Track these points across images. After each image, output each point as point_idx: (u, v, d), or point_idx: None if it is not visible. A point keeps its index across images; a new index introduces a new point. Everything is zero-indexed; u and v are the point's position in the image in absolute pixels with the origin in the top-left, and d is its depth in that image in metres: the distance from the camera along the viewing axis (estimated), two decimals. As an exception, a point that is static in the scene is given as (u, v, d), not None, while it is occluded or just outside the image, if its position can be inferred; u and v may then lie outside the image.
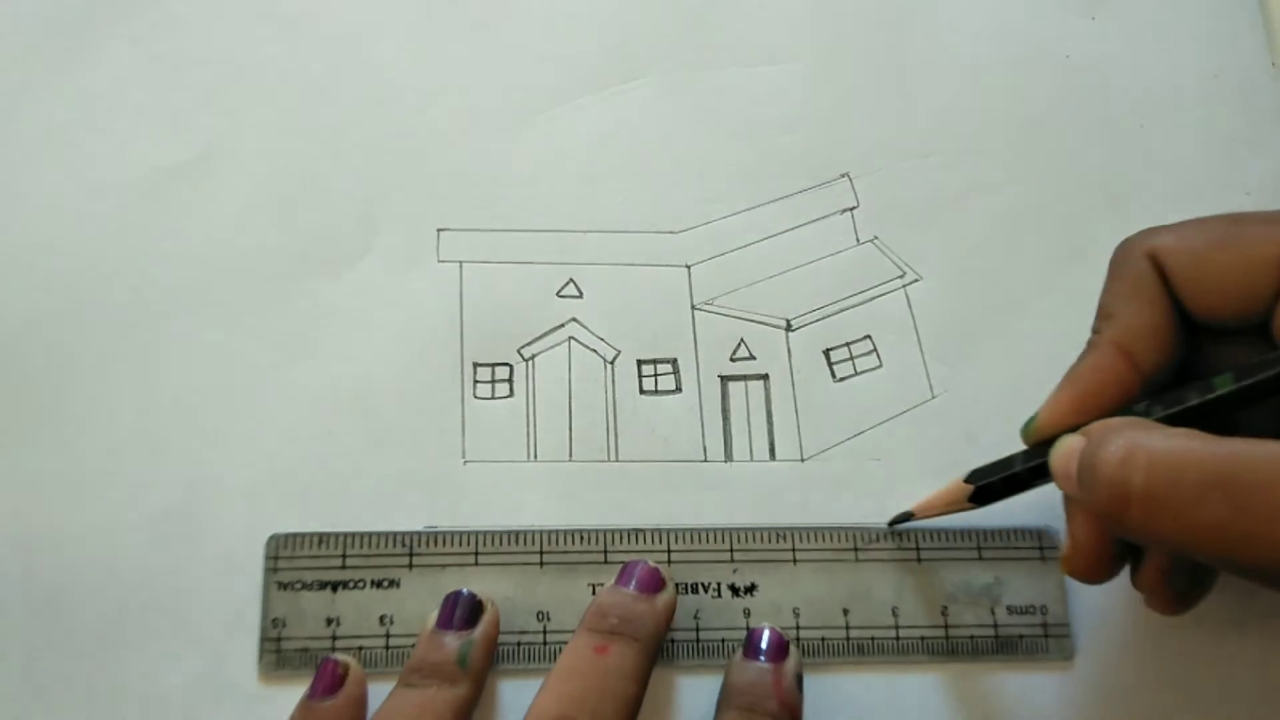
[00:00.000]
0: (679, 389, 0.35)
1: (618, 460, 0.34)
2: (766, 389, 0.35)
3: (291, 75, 0.37)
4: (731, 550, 0.32)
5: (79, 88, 0.36)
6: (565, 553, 0.32)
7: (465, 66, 0.37)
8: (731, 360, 0.35)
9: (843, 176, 0.37)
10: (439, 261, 0.35)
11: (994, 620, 0.32)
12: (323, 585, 0.31)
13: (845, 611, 0.32)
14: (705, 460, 0.34)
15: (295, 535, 0.32)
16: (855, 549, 0.33)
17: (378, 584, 0.31)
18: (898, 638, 0.32)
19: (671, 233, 0.36)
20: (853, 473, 0.34)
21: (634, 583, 0.30)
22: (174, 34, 0.37)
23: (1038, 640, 0.32)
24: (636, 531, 0.32)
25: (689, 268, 0.36)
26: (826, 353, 0.35)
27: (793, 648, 0.30)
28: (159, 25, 0.37)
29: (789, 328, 0.35)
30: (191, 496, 0.32)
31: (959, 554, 0.33)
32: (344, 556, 0.32)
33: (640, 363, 0.35)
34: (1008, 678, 0.32)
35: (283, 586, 0.31)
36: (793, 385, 0.35)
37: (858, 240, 0.36)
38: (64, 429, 0.33)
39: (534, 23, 0.38)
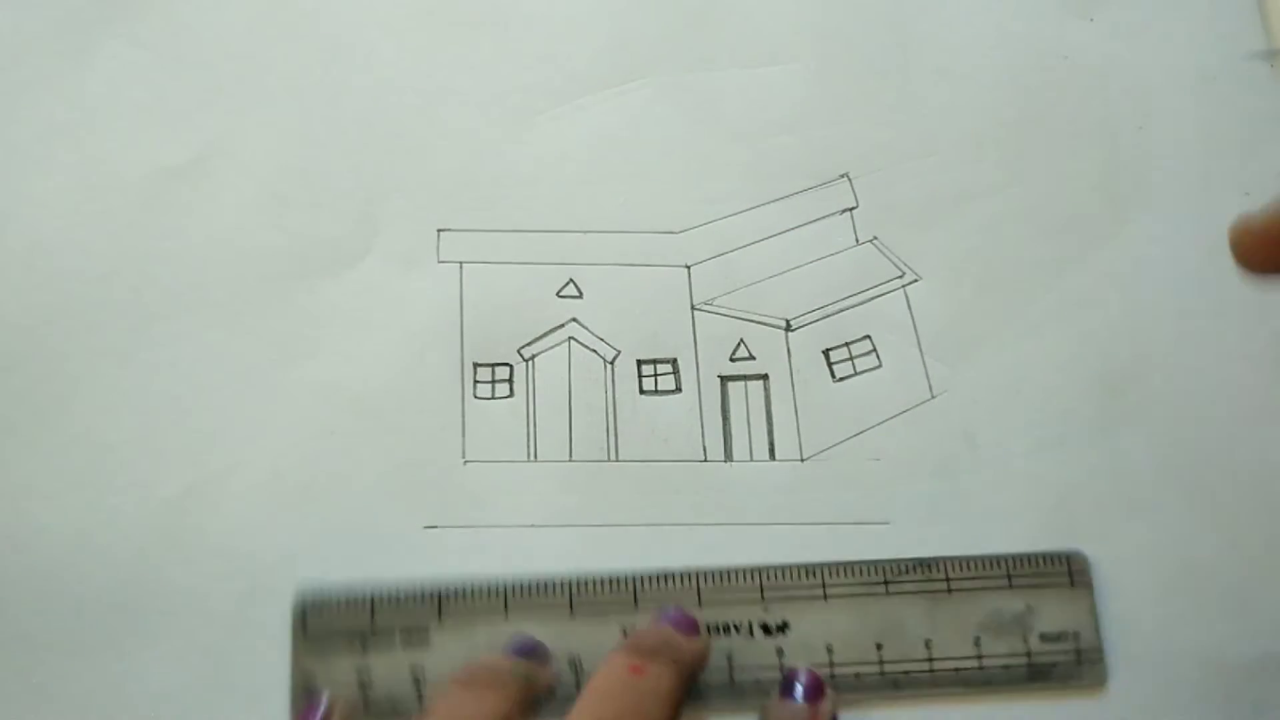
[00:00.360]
0: (679, 389, 0.35)
1: (618, 460, 0.34)
2: (766, 389, 0.35)
3: (292, 75, 0.37)
4: (761, 588, 0.32)
5: (79, 88, 0.36)
6: (595, 598, 0.32)
7: (466, 66, 0.37)
8: (731, 360, 0.35)
9: (842, 177, 0.37)
10: (439, 262, 0.35)
11: (1027, 648, 0.32)
12: (351, 642, 0.31)
13: (879, 646, 0.31)
14: (705, 460, 0.34)
15: (323, 594, 0.31)
16: (885, 581, 0.32)
17: (407, 639, 0.31)
18: (931, 670, 0.31)
19: (671, 233, 0.36)
20: (852, 472, 0.34)
21: (669, 622, 0.30)
22: (174, 34, 0.37)
23: (1071, 667, 0.32)
24: (666, 575, 0.32)
25: (689, 268, 0.36)
26: (826, 353, 0.35)
27: (829, 689, 0.29)
28: (159, 25, 0.37)
29: (789, 328, 0.35)
30: (191, 496, 0.32)
31: (989, 582, 0.32)
32: (372, 615, 0.31)
33: (640, 363, 0.35)
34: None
35: (312, 648, 0.31)
36: (792, 385, 0.35)
37: (857, 240, 0.37)
38: (64, 429, 0.33)
39: (534, 23, 0.38)
